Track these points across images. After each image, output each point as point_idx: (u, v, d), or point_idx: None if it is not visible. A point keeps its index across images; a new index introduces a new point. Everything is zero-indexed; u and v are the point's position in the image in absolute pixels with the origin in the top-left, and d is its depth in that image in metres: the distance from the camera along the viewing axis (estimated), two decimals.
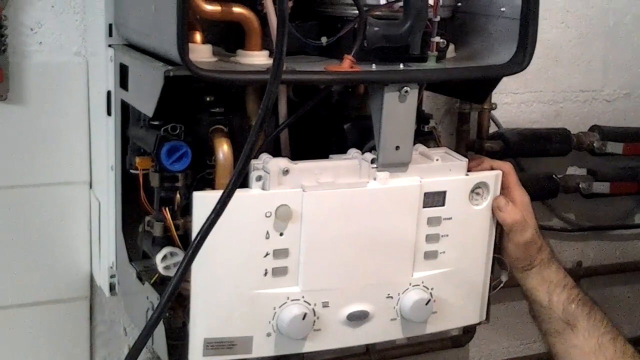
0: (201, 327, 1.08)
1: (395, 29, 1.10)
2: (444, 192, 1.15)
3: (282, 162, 1.06)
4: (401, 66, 1.11)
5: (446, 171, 1.15)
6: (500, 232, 1.23)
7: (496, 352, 1.91)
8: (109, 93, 1.25)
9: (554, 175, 1.74)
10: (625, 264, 1.97)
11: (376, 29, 1.10)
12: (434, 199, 1.14)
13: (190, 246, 0.83)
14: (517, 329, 1.91)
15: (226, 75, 1.01)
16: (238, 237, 1.06)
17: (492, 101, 1.64)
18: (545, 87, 1.78)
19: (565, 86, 1.80)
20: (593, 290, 1.83)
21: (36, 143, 1.35)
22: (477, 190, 1.18)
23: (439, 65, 1.14)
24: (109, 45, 1.25)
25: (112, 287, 1.32)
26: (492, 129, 1.70)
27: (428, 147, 1.22)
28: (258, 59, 1.09)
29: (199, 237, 0.81)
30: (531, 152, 1.70)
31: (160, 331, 1.10)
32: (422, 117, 1.28)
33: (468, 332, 1.76)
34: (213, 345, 1.09)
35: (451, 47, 1.24)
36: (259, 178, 1.06)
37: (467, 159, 1.17)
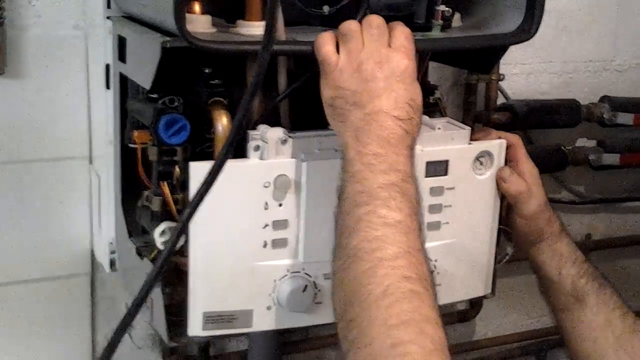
0: (200, 300, 1.06)
1: None
2: (446, 162, 1.13)
3: (280, 132, 1.05)
4: None
5: (448, 140, 1.13)
6: (507, 206, 1.21)
7: (503, 327, 1.89)
8: (107, 66, 1.24)
9: (562, 147, 1.71)
10: (636, 237, 1.93)
11: None
12: (436, 168, 1.12)
13: (182, 217, 0.81)
14: (525, 303, 1.88)
15: (223, 45, 0.99)
16: (236, 208, 1.04)
17: (500, 72, 1.61)
18: (555, 58, 1.74)
19: (575, 56, 1.76)
20: (603, 264, 1.80)
21: (35, 118, 1.33)
22: (481, 159, 1.16)
23: (444, 35, 1.12)
24: (108, 18, 1.23)
25: (112, 263, 1.31)
26: (500, 100, 1.67)
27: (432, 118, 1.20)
28: (258, 29, 1.06)
29: (191, 208, 0.79)
30: (539, 124, 1.67)
31: (159, 307, 1.09)
32: (427, 89, 1.26)
33: (475, 306, 1.74)
34: (213, 319, 1.08)
35: (457, 15, 1.21)
36: (257, 148, 1.04)
37: (470, 128, 1.14)
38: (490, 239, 1.20)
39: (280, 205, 1.06)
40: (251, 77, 1.08)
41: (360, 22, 0.99)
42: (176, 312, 1.10)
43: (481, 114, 1.60)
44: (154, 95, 1.06)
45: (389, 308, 0.83)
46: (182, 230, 0.84)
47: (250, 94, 0.77)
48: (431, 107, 1.24)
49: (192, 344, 1.46)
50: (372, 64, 0.96)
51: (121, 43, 1.17)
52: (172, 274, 1.09)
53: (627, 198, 1.90)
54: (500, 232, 1.22)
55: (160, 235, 1.07)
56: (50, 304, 1.41)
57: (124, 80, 1.19)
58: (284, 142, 1.04)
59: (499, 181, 1.16)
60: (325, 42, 0.98)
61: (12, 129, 1.33)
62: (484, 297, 1.24)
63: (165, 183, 1.07)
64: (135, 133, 1.10)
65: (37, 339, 1.42)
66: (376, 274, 0.86)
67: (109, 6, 1.23)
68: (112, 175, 1.25)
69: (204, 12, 1.09)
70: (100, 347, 1.47)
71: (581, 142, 1.80)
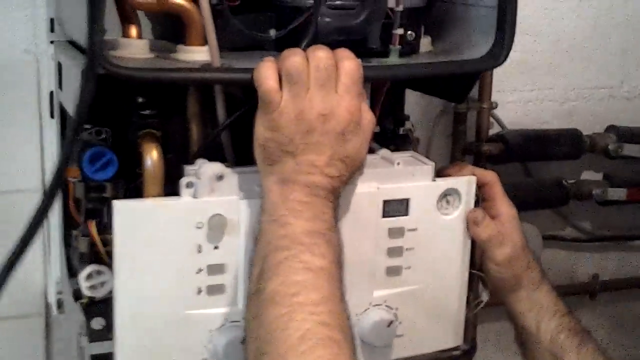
0: (128, 353, 0.96)
1: (350, 20, 0.98)
2: (407, 200, 1.02)
3: (216, 167, 0.95)
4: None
5: (409, 176, 1.02)
6: (481, 251, 1.10)
7: None
8: (51, 94, 1.16)
9: (563, 181, 1.59)
10: None
11: (328, 20, 0.98)
12: (396, 207, 1.02)
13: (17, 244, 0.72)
14: None
15: (139, 72, 0.89)
16: (166, 252, 0.94)
17: (493, 99, 1.50)
18: (556, 84, 1.63)
19: (578, 83, 1.65)
20: (611, 306, 1.69)
21: None
22: (448, 197, 1.05)
23: (402, 61, 1.02)
24: (51, 42, 1.15)
25: (59, 304, 1.23)
26: (497, 130, 1.57)
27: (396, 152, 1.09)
28: (198, 54, 0.98)
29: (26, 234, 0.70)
30: (536, 156, 1.56)
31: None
32: (397, 119, 1.16)
33: (468, 352, 1.62)
34: None
35: (427, 39, 1.11)
36: (190, 185, 0.94)
37: (433, 163, 1.04)
38: (460, 285, 1.08)
39: (216, 247, 0.96)
40: (192, 106, 1.02)
41: (306, 51, 0.90)
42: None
43: (471, 145, 1.49)
44: (87, 127, 0.98)
45: (305, 354, 0.77)
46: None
47: (74, 130, 0.68)
48: (400, 140, 1.14)
49: None
50: (315, 114, 0.88)
51: (60, 69, 1.09)
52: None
53: (637, 236, 1.76)
54: (473, 277, 1.11)
55: (86, 279, 0.98)
56: (4, 344, 1.34)
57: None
58: (219, 178, 0.95)
59: (470, 224, 1.05)
60: (266, 75, 0.88)
61: None
62: (455, 348, 1.12)
63: (94, 222, 0.98)
64: (69, 168, 1.01)
65: None
66: (294, 319, 0.80)
67: (52, 30, 1.15)
68: (56, 211, 1.16)
69: (140, 36, 1.01)
70: None
71: (587, 174, 1.68)
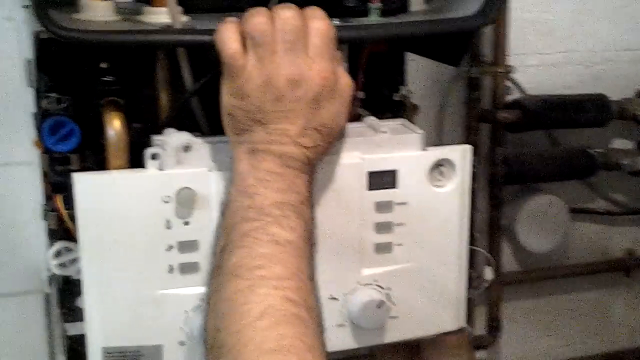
0: (98, 334, 0.91)
1: None
2: (394, 172, 0.94)
3: (183, 137, 0.88)
4: (336, 22, 0.91)
5: (396, 146, 0.94)
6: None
7: (532, 354, 1.68)
8: (28, 61, 1.10)
9: (588, 150, 1.49)
10: None
11: None
12: (382, 179, 0.94)
13: None
14: (557, 326, 1.66)
15: (87, 35, 0.83)
16: (133, 227, 0.89)
17: (511, 63, 1.41)
18: (581, 46, 1.52)
19: (605, 44, 1.53)
20: None
21: None
22: (441, 169, 0.97)
23: (383, 20, 0.94)
24: (24, 6, 1.09)
25: (50, 282, 1.18)
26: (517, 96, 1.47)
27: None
28: (161, 16, 0.91)
29: None
30: (558, 123, 1.46)
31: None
32: (392, 85, 1.08)
33: (492, 330, 1.54)
34: (114, 356, 0.92)
35: None
36: (155, 156, 0.88)
37: (423, 132, 0.96)
38: (459, 262, 1.00)
39: (187, 223, 0.89)
40: (161, 72, 0.96)
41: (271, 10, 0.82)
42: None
43: (486, 112, 1.40)
44: (48, 95, 0.92)
45: (267, 330, 0.70)
46: None
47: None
48: (395, 107, 1.06)
49: None
50: (284, 80, 0.80)
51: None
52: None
53: None
54: (475, 254, 1.03)
55: (54, 256, 0.93)
56: (5, 321, 1.32)
57: None
58: (187, 149, 0.88)
59: None
60: (229, 38, 0.80)
61: None
62: (458, 331, 1.04)
63: (61, 197, 0.93)
64: (35, 140, 0.96)
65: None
66: (255, 293, 0.73)
67: None
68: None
69: None
70: None
71: (617, 143, 1.58)
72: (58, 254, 0.94)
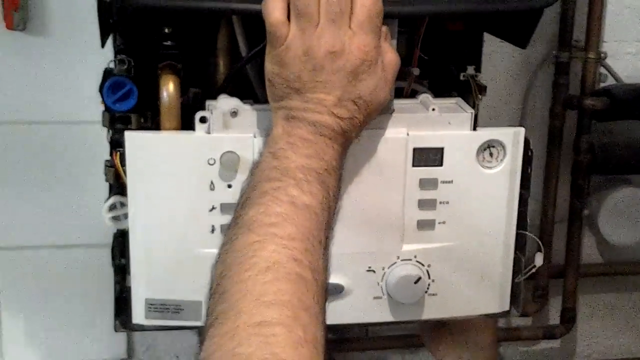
0: (142, 285, 0.96)
1: None
2: (441, 149, 0.94)
3: (231, 102, 0.91)
4: None
5: (444, 124, 0.94)
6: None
7: (609, 349, 1.63)
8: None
9: None
10: None
11: None
12: (428, 156, 0.94)
13: None
14: (638, 323, 1.60)
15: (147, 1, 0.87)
16: (178, 186, 0.92)
17: (605, 49, 1.36)
18: None
19: None
20: None
21: (58, 77, 1.28)
22: (491, 150, 0.96)
23: None
24: None
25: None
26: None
27: (466, 100, 1.01)
28: None
29: None
30: None
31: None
32: (462, 63, 1.07)
33: (566, 321, 1.50)
34: (157, 308, 0.97)
35: None
36: (203, 119, 0.91)
37: (472, 111, 0.95)
38: (504, 245, 0.99)
39: (230, 186, 0.92)
40: (222, 39, 0.99)
41: None
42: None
43: (572, 99, 1.36)
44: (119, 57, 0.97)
45: (267, 284, 0.72)
46: None
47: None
48: (461, 86, 1.05)
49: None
50: (324, 51, 0.81)
51: None
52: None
53: None
54: (525, 238, 1.01)
55: (108, 210, 0.98)
56: (76, 270, 1.38)
57: None
58: (234, 114, 0.91)
59: None
60: (273, 7, 0.82)
61: (36, 88, 1.29)
62: (502, 314, 1.03)
63: (118, 153, 0.97)
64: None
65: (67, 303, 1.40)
66: (264, 248, 0.75)
67: None
68: None
69: None
70: None
71: None
72: (112, 207, 0.98)
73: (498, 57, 1.39)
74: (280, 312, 0.69)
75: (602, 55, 1.36)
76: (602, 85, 1.41)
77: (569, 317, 1.50)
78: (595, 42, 1.34)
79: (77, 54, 1.28)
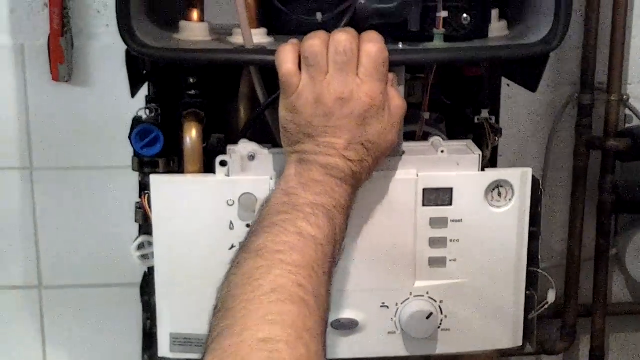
0: (167, 321, 1.01)
1: (387, 3, 0.96)
2: (450, 189, 0.98)
3: (249, 147, 0.97)
4: (399, 46, 0.96)
5: (452, 165, 0.98)
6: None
7: None
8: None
9: None
10: None
11: (363, 1, 0.96)
12: (438, 196, 0.98)
13: None
14: None
15: (160, 52, 0.93)
16: (201, 226, 0.98)
17: (627, 91, 1.39)
18: None
19: None
20: None
21: (100, 125, 1.36)
22: (500, 190, 0.99)
23: (442, 45, 0.97)
24: None
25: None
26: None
27: (479, 142, 1.05)
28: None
29: None
30: None
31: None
32: (476, 107, 1.11)
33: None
34: (180, 342, 1.02)
35: (501, 23, 1.06)
36: (223, 163, 0.97)
37: (480, 152, 0.99)
38: (515, 282, 1.02)
39: (248, 226, 0.97)
40: (244, 87, 1.05)
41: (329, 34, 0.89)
42: None
43: (595, 139, 1.39)
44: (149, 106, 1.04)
45: (272, 304, 0.76)
46: None
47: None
48: (473, 129, 1.09)
49: None
50: (333, 98, 0.87)
51: None
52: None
53: None
54: (537, 275, 1.04)
55: (137, 249, 1.04)
56: (109, 309, 1.44)
57: None
58: (251, 157, 0.97)
59: None
60: (285, 59, 0.88)
61: (78, 136, 1.36)
62: (518, 350, 1.06)
63: (147, 195, 1.03)
64: None
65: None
66: (271, 273, 0.79)
67: None
68: None
69: (202, 20, 1.04)
70: None
71: None
72: (141, 246, 1.04)
73: (522, 100, 1.42)
74: (283, 331, 0.73)
75: (625, 97, 1.39)
76: (627, 126, 1.43)
77: (597, 356, 1.51)
78: (618, 84, 1.37)
79: (116, 102, 1.35)
